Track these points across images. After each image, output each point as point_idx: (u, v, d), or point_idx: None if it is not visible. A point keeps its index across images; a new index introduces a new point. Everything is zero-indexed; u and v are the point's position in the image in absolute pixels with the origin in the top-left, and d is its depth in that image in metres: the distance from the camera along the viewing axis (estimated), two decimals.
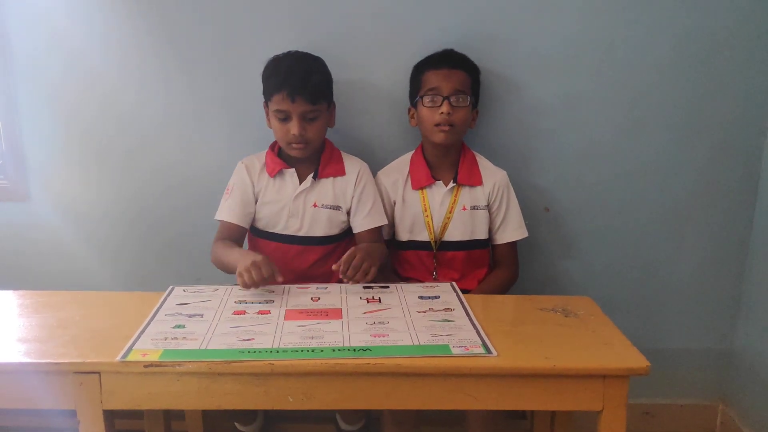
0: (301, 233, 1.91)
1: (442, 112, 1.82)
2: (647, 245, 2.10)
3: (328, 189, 1.91)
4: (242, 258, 1.66)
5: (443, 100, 1.83)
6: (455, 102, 1.83)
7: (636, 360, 1.34)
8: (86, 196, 2.11)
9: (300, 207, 1.90)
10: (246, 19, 1.96)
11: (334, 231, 1.93)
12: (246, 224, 1.91)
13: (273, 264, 1.63)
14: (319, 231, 1.91)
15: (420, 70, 1.90)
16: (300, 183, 1.89)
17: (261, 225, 1.93)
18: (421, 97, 1.86)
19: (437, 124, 1.85)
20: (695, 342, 2.18)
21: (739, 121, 2.00)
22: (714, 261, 2.11)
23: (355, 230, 1.93)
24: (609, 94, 1.99)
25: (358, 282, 1.68)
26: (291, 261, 1.90)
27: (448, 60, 1.87)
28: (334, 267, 1.68)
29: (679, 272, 2.12)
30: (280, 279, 1.62)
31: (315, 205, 1.90)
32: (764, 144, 2.01)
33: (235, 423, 2.03)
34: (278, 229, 1.92)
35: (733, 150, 2.02)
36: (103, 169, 2.09)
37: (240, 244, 1.91)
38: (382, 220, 1.93)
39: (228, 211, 1.89)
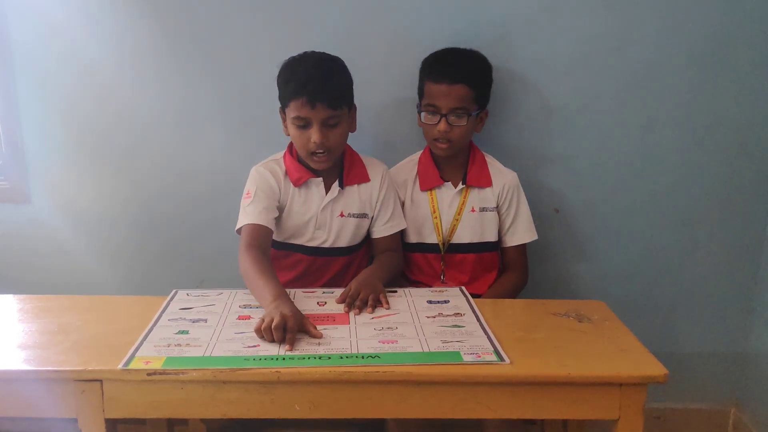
0: (326, 245, 1.83)
1: (439, 130, 1.79)
2: (660, 247, 2.07)
3: (354, 197, 1.83)
4: (271, 306, 1.46)
5: (441, 118, 1.79)
6: (453, 121, 1.79)
7: (654, 367, 1.31)
8: (87, 198, 2.07)
9: (327, 218, 1.81)
10: (246, 16, 1.92)
11: (358, 240, 1.87)
12: (273, 228, 1.78)
13: (304, 318, 1.44)
14: (346, 241, 1.84)
15: (423, 75, 1.86)
16: (326, 192, 1.81)
17: (283, 237, 1.84)
18: (421, 110, 1.84)
19: (435, 139, 1.82)
20: (708, 345, 2.15)
21: (754, 122, 1.97)
22: (728, 264, 2.08)
23: (374, 236, 1.87)
24: (622, 94, 1.96)
25: (365, 311, 1.57)
26: (315, 273, 1.85)
27: (450, 74, 1.79)
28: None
29: (693, 275, 2.09)
30: (316, 333, 1.42)
31: (342, 215, 1.83)
32: None
33: None
34: (303, 241, 1.84)
35: (747, 151, 1.99)
36: (104, 171, 2.06)
37: (269, 248, 1.76)
38: (401, 225, 1.88)
39: (255, 215, 1.73)
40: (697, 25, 1.90)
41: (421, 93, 1.86)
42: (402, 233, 1.93)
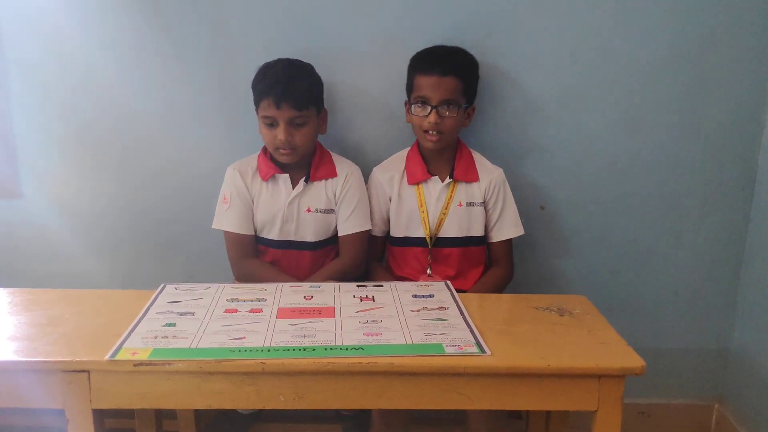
0: (295, 238, 1.91)
1: (429, 121, 1.82)
2: (643, 244, 2.09)
3: (320, 192, 1.90)
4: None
5: (431, 110, 1.81)
6: (443, 112, 1.82)
7: (632, 360, 1.33)
8: (76, 192, 2.09)
9: (294, 212, 1.89)
10: (243, 21, 1.94)
11: (329, 234, 1.94)
12: (253, 231, 1.92)
13: None
14: (313, 236, 1.91)
15: (413, 69, 1.88)
16: (293, 188, 1.89)
17: (256, 230, 1.93)
18: (411, 103, 1.86)
19: (426, 131, 1.84)
20: (691, 342, 2.17)
21: (736, 119, 1.99)
22: (710, 260, 2.10)
23: (339, 234, 1.93)
24: (606, 91, 1.98)
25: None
26: (285, 266, 1.91)
27: (440, 66, 1.82)
28: None
29: (675, 271, 2.11)
30: None
31: (309, 210, 1.90)
32: (761, 142, 2.00)
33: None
34: (272, 235, 1.91)
35: (730, 148, 2.01)
36: (92, 165, 2.07)
37: (255, 252, 1.92)
38: (363, 226, 1.92)
39: (236, 222, 1.89)
40: (680, 25, 1.92)
41: (410, 88, 1.88)
42: (389, 228, 1.96)
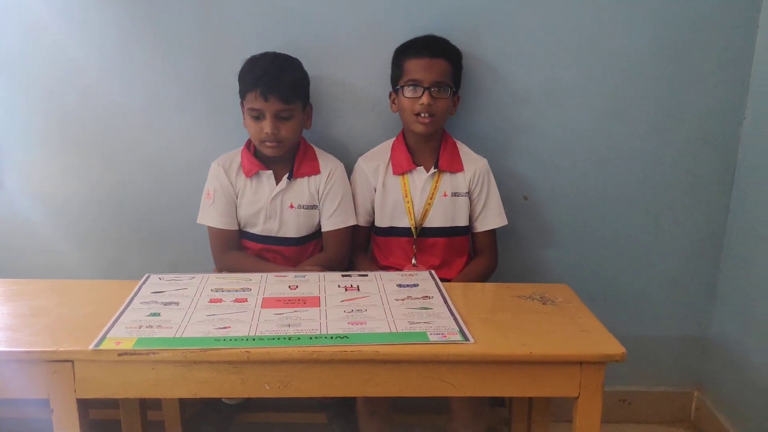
0: (279, 234, 1.91)
1: (422, 103, 1.82)
2: (625, 234, 2.12)
3: (303, 189, 1.91)
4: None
5: (424, 91, 1.82)
6: (436, 93, 1.83)
7: (612, 347, 1.35)
8: (59, 183, 2.07)
9: (277, 208, 1.90)
10: (228, 14, 1.93)
11: (312, 230, 1.94)
12: (236, 226, 1.92)
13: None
14: (296, 232, 1.92)
15: (401, 56, 1.88)
16: (276, 184, 1.89)
17: (239, 225, 1.93)
18: (402, 87, 1.86)
19: (417, 114, 1.84)
20: (671, 330, 2.20)
21: (717, 111, 2.02)
22: (690, 249, 2.13)
23: (322, 229, 1.94)
24: (589, 83, 1.99)
25: None
26: (268, 261, 1.91)
27: (430, 48, 1.85)
28: None
29: (656, 260, 2.14)
30: None
31: (291, 207, 1.90)
32: (741, 134, 2.02)
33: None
34: (256, 230, 1.92)
35: (710, 140, 2.04)
36: (75, 156, 2.05)
37: (238, 247, 1.93)
38: (347, 222, 1.93)
39: (219, 218, 1.89)
40: (663, 19, 1.94)
41: (398, 74, 1.88)
42: (375, 218, 1.97)
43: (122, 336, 1.34)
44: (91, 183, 2.08)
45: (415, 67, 1.83)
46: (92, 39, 1.96)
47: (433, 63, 1.83)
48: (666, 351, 2.22)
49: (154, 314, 1.45)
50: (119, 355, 1.29)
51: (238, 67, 1.85)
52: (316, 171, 1.91)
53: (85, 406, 1.36)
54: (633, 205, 2.09)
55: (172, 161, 2.05)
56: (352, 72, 1.99)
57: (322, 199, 1.92)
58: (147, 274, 1.67)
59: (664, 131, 2.03)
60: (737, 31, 1.95)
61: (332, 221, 1.92)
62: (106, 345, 1.31)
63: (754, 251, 1.96)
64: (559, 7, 1.94)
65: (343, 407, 2.04)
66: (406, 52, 1.88)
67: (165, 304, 1.50)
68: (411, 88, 1.84)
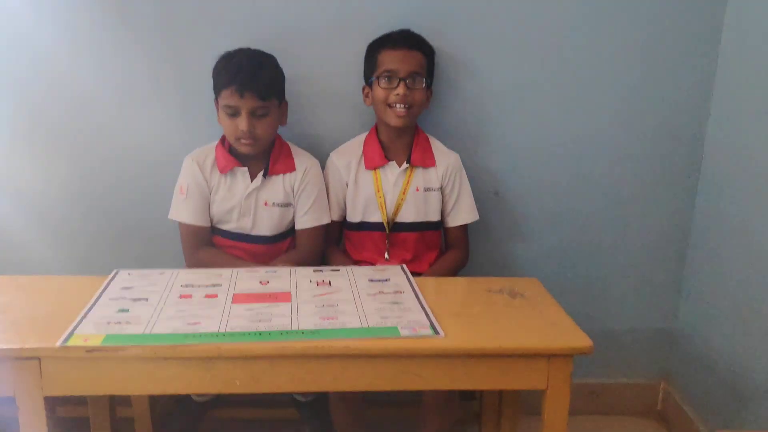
0: (252, 232, 1.90)
1: (398, 94, 1.82)
2: (593, 229, 2.15)
3: (278, 187, 1.89)
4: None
5: (399, 82, 1.82)
6: (411, 84, 1.83)
7: (580, 340, 1.37)
8: (27, 176, 2.03)
9: (251, 206, 1.88)
10: (199, 6, 1.92)
11: (286, 228, 1.93)
12: (209, 223, 1.90)
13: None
14: (270, 230, 1.90)
15: (376, 48, 1.88)
16: (251, 181, 1.87)
17: (212, 221, 1.91)
18: (377, 78, 1.85)
19: (392, 105, 1.84)
20: (638, 322, 2.24)
21: (682, 108, 2.05)
22: (657, 244, 2.17)
23: (296, 227, 1.93)
24: (558, 80, 2.01)
25: None
26: (241, 258, 1.89)
27: (406, 41, 1.86)
28: None
29: (624, 255, 2.17)
30: None
31: (266, 204, 1.88)
32: (706, 130, 2.06)
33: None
34: (229, 227, 1.90)
35: (677, 135, 2.07)
36: (43, 149, 2.02)
37: (210, 243, 1.90)
38: (321, 220, 1.92)
39: (192, 214, 1.86)
40: (631, 14, 1.97)
41: (372, 67, 1.87)
42: (347, 213, 1.97)
43: (90, 332, 1.33)
44: (60, 176, 2.04)
45: (391, 58, 1.84)
46: (62, 30, 1.92)
47: (409, 54, 1.84)
48: (633, 344, 2.26)
49: (122, 310, 1.43)
50: (87, 351, 1.28)
51: (210, 61, 1.82)
52: (291, 169, 1.90)
53: (52, 403, 1.35)
54: (601, 201, 2.12)
55: (143, 155, 2.03)
56: (322, 68, 1.98)
57: (296, 197, 1.90)
58: (115, 270, 1.65)
59: (631, 127, 2.06)
60: (703, 28, 1.99)
61: (306, 219, 1.91)
62: (73, 341, 1.29)
63: (720, 245, 2.00)
64: (528, 3, 1.95)
65: (316, 403, 2.04)
66: (381, 44, 1.88)
67: (134, 300, 1.48)
68: (386, 79, 1.84)
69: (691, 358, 2.15)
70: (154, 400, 1.94)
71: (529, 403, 1.65)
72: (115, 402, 1.81)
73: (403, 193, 1.93)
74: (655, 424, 2.28)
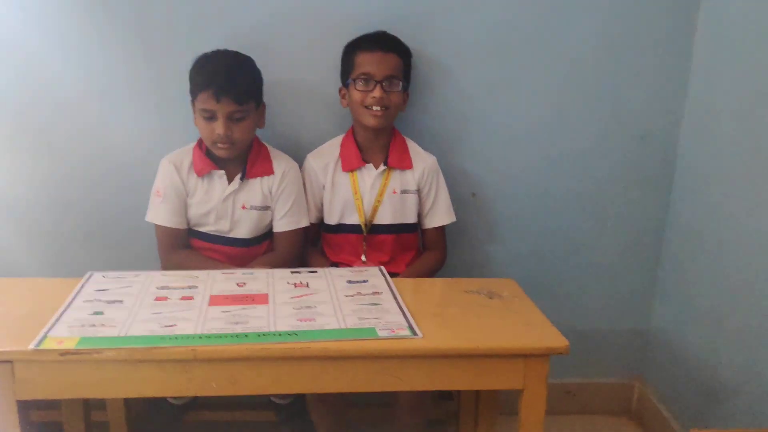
0: (229, 234, 1.89)
1: (374, 97, 1.82)
2: (569, 230, 2.17)
3: (256, 190, 1.88)
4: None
5: (376, 85, 1.82)
6: (388, 87, 1.83)
7: (556, 340, 1.39)
8: (3, 178, 2.00)
9: (228, 209, 1.86)
10: (177, 8, 1.90)
11: (262, 231, 1.92)
12: (186, 225, 1.88)
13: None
14: (248, 233, 1.89)
15: (352, 50, 1.88)
16: (229, 184, 1.86)
17: (189, 224, 1.90)
18: (354, 80, 1.85)
19: (369, 107, 1.84)
20: (613, 323, 2.26)
21: (655, 110, 2.08)
22: (632, 245, 2.19)
23: (274, 230, 1.92)
24: (534, 82, 2.03)
25: None
26: (218, 260, 1.88)
27: (382, 43, 1.86)
28: None
29: (599, 256, 2.20)
30: None
31: (244, 207, 1.87)
32: (680, 133, 2.09)
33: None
34: (207, 230, 1.89)
35: (650, 138, 2.10)
36: (20, 151, 1.98)
37: (186, 246, 1.89)
38: (299, 223, 1.91)
39: (169, 217, 1.84)
40: (604, 17, 1.99)
41: (349, 69, 1.87)
42: (324, 215, 1.96)
43: (64, 335, 1.31)
44: (36, 178, 2.01)
45: (368, 61, 1.84)
46: (32, 29, 1.89)
47: (386, 57, 1.84)
48: (608, 344, 2.28)
49: (97, 313, 1.41)
50: (61, 354, 1.26)
51: (188, 62, 1.80)
52: (269, 172, 1.89)
53: (25, 407, 1.33)
54: (576, 202, 2.14)
55: (119, 157, 2.00)
56: (299, 70, 1.98)
57: (275, 200, 1.89)
58: (90, 272, 1.63)
59: (605, 129, 2.09)
60: (676, 31, 2.01)
61: (284, 222, 1.90)
62: (47, 344, 1.28)
63: (693, 246, 2.03)
64: (503, 6, 1.97)
65: (294, 405, 2.03)
66: (358, 46, 1.88)
67: (109, 303, 1.47)
68: (363, 81, 1.84)
69: (665, 358, 2.18)
70: (130, 404, 1.92)
71: (506, 402, 1.66)
72: (90, 406, 1.78)
73: (381, 196, 1.93)
74: (630, 422, 2.31)
